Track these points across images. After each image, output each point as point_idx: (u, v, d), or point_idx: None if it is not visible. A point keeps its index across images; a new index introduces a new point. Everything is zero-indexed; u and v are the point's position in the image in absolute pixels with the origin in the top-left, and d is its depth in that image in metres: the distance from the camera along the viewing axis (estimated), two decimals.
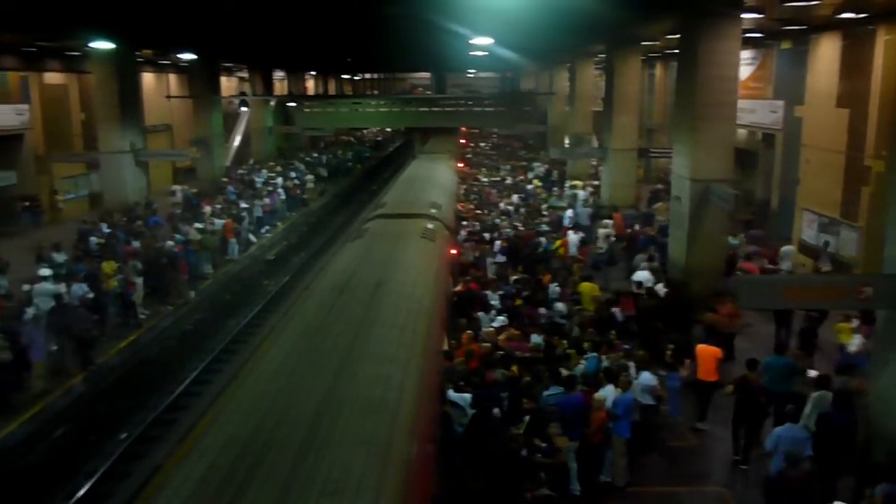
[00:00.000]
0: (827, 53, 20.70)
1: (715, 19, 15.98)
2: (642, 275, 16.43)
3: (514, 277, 17.16)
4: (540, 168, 37.21)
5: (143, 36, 25.58)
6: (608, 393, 10.18)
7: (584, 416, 10.02)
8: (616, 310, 14.95)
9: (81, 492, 11.22)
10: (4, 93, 27.96)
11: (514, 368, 11.21)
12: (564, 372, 10.74)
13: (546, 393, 10.27)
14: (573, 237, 20.31)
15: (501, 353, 11.84)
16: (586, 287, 16.00)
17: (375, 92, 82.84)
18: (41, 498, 11.19)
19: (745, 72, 24.78)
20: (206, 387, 15.27)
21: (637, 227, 22.07)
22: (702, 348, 12.01)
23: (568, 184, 30.86)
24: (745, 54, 24.78)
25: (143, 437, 13.08)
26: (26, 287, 15.46)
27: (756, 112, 25.12)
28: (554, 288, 15.94)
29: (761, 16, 18.05)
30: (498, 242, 20.30)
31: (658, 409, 11.42)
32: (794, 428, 9.45)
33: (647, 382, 10.96)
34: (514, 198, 29.27)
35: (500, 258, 19.64)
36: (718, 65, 16.23)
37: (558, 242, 20.07)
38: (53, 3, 16.71)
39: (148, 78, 37.92)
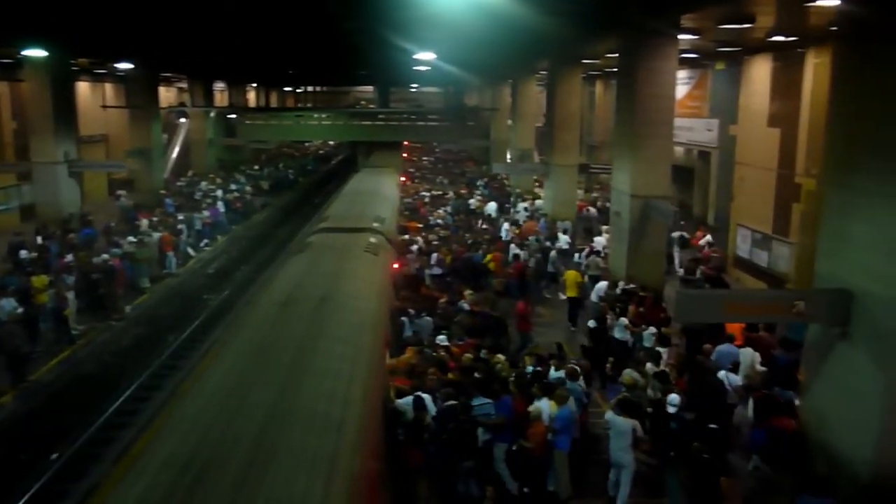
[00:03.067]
0: (759, 75, 21.42)
1: (653, 39, 16.34)
2: (601, 286, 16.83)
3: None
4: (481, 184, 37.34)
5: (79, 44, 25.00)
6: (544, 406, 10.23)
7: (515, 420, 10.08)
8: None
9: None
10: None
11: (451, 375, 11.23)
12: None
13: (474, 403, 10.24)
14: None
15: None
16: (571, 275, 17.83)
17: (315, 104, 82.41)
18: None
19: (682, 91, 25.45)
20: (144, 403, 14.87)
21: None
22: None
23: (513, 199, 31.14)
24: (683, 74, 25.44)
25: (79, 455, 12.65)
26: None
27: (693, 130, 25.78)
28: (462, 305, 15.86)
29: (698, 37, 18.54)
30: (435, 255, 20.34)
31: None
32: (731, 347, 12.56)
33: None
34: (442, 211, 29.40)
35: (437, 270, 19.72)
36: (657, 83, 16.58)
37: (489, 256, 20.18)
38: None
39: (83, 87, 36.99)
